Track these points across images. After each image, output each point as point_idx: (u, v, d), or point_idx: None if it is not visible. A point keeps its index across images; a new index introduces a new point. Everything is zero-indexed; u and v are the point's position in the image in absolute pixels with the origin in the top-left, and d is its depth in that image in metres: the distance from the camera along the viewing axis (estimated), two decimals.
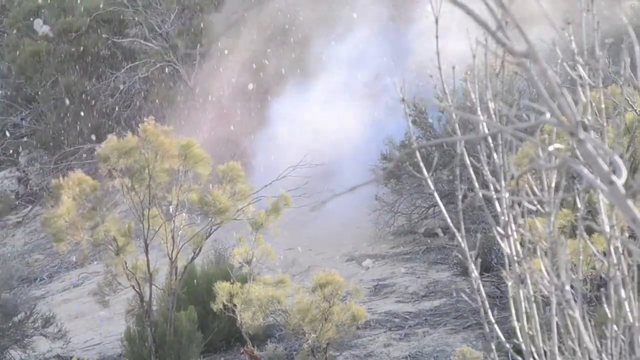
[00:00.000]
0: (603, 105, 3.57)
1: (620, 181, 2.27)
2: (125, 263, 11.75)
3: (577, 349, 3.32)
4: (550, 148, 2.77)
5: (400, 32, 20.36)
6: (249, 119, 20.60)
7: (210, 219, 11.97)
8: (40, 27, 23.66)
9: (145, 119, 12.03)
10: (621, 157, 2.40)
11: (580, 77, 3.35)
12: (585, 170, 2.33)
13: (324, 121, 19.20)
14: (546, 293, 3.44)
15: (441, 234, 16.52)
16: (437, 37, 3.66)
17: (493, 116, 3.68)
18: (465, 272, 14.57)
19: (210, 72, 21.41)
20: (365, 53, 20.51)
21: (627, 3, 18.49)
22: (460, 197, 3.67)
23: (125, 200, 11.80)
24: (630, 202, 2.27)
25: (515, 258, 3.56)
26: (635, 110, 9.61)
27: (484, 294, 3.69)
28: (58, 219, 11.47)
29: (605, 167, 2.29)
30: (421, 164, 3.64)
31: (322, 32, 21.13)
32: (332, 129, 19.32)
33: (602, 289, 3.49)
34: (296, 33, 21.45)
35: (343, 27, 21.03)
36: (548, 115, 2.44)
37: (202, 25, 22.67)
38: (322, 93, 19.79)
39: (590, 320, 3.38)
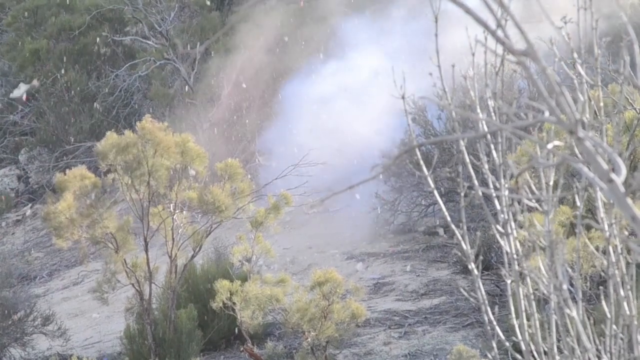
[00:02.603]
0: (602, 104, 3.57)
1: (619, 179, 2.27)
2: (125, 261, 11.75)
3: (576, 347, 3.32)
4: (549, 146, 2.78)
5: (401, 30, 20.37)
6: (249, 118, 20.60)
7: (210, 217, 11.97)
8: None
9: (144, 117, 12.05)
10: (620, 155, 2.40)
11: (579, 75, 3.35)
12: (585, 169, 2.34)
13: (325, 120, 19.22)
14: (545, 291, 3.44)
15: (442, 233, 16.55)
16: (436, 35, 3.66)
17: (492, 114, 3.69)
18: (465, 270, 14.58)
19: (210, 71, 21.41)
20: (365, 51, 20.51)
21: (627, 1, 18.49)
22: (462, 194, 3.67)
23: (125, 197, 11.80)
24: (629, 200, 2.27)
25: (515, 256, 3.56)
26: (635, 109, 9.60)
27: (483, 292, 3.69)
28: (59, 215, 11.47)
29: (605, 165, 2.29)
30: (421, 162, 3.64)
31: (322, 31, 21.14)
32: (332, 127, 19.32)
33: (602, 287, 3.49)
34: (296, 32, 21.45)
35: (344, 26, 21.04)
36: (547, 113, 2.45)
37: (202, 23, 22.68)
38: (323, 92, 19.80)
39: (589, 318, 3.38)
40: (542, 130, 3.81)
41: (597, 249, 3.80)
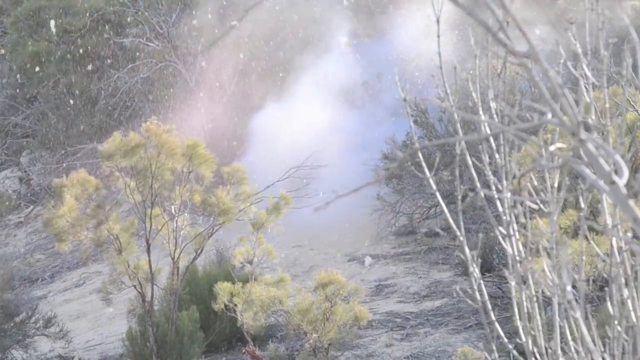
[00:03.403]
0: (607, 105, 3.57)
1: (621, 181, 2.27)
2: (128, 263, 11.75)
3: (580, 349, 3.32)
4: (552, 148, 2.77)
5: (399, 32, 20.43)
6: (249, 119, 20.62)
7: (212, 218, 11.97)
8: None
9: (146, 119, 12.04)
10: (622, 157, 2.40)
11: (584, 76, 3.35)
12: (587, 170, 2.33)
13: (324, 121, 19.26)
14: (548, 293, 3.44)
15: (441, 233, 16.56)
16: (438, 36, 3.67)
17: (495, 116, 3.68)
18: (466, 272, 14.55)
19: (211, 72, 21.43)
20: (365, 52, 20.57)
21: (628, 3, 18.51)
22: (459, 197, 3.67)
23: (128, 199, 11.79)
24: (631, 202, 2.27)
25: (517, 258, 3.56)
26: (637, 111, 9.60)
27: (485, 294, 3.69)
28: (60, 219, 11.47)
29: (607, 167, 2.29)
30: (423, 164, 3.64)
31: (321, 31, 21.17)
32: (332, 129, 19.38)
33: (606, 289, 3.49)
34: (295, 31, 21.47)
35: (343, 26, 21.08)
36: (549, 115, 2.45)
37: (202, 25, 22.68)
38: (322, 93, 19.83)
39: (593, 319, 3.38)
40: (546, 132, 3.81)
41: (600, 250, 3.80)
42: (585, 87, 3.35)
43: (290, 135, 18.98)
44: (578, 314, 3.10)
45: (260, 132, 20.10)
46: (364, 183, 2.57)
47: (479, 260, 3.71)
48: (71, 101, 23.14)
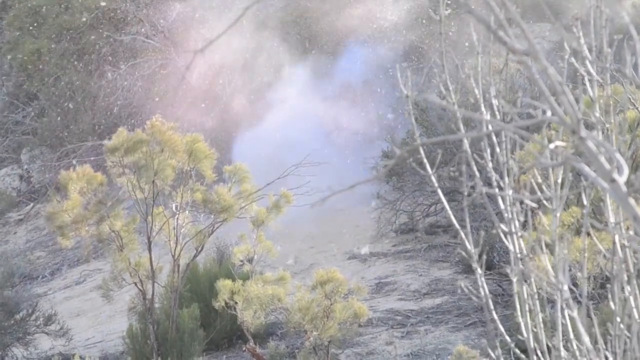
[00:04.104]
0: (611, 102, 3.57)
1: (621, 179, 2.27)
2: (129, 260, 11.76)
3: (582, 347, 3.33)
4: (551, 146, 2.77)
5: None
6: (249, 117, 20.62)
7: (212, 216, 11.98)
8: None
9: (146, 117, 12.06)
10: (623, 155, 2.40)
11: (587, 73, 3.35)
12: (587, 168, 2.34)
13: (324, 119, 19.28)
14: (550, 290, 3.44)
15: (441, 224, 16.59)
16: (441, 33, 3.67)
17: (496, 114, 3.69)
18: (467, 270, 14.59)
19: (211, 69, 21.42)
20: (367, 50, 20.56)
21: (628, 1, 18.52)
22: (465, 193, 3.67)
23: (130, 196, 11.79)
24: (631, 200, 2.27)
25: (519, 255, 3.56)
26: (637, 109, 9.60)
27: (487, 292, 3.69)
28: (63, 214, 11.47)
29: (607, 165, 2.29)
30: (425, 161, 3.64)
31: (321, 29, 21.17)
32: (332, 127, 19.40)
33: (607, 286, 3.49)
34: (295, 27, 21.46)
35: (344, 24, 21.08)
36: (549, 113, 2.45)
37: (202, 22, 22.69)
38: (322, 91, 19.84)
39: (595, 317, 3.38)
40: (551, 129, 3.82)
41: (603, 247, 3.80)
42: (590, 84, 3.36)
43: (290, 134, 18.99)
44: (575, 313, 3.10)
45: (259, 131, 20.11)
46: (360, 180, 2.58)
47: (484, 257, 3.71)
48: (71, 98, 23.13)
